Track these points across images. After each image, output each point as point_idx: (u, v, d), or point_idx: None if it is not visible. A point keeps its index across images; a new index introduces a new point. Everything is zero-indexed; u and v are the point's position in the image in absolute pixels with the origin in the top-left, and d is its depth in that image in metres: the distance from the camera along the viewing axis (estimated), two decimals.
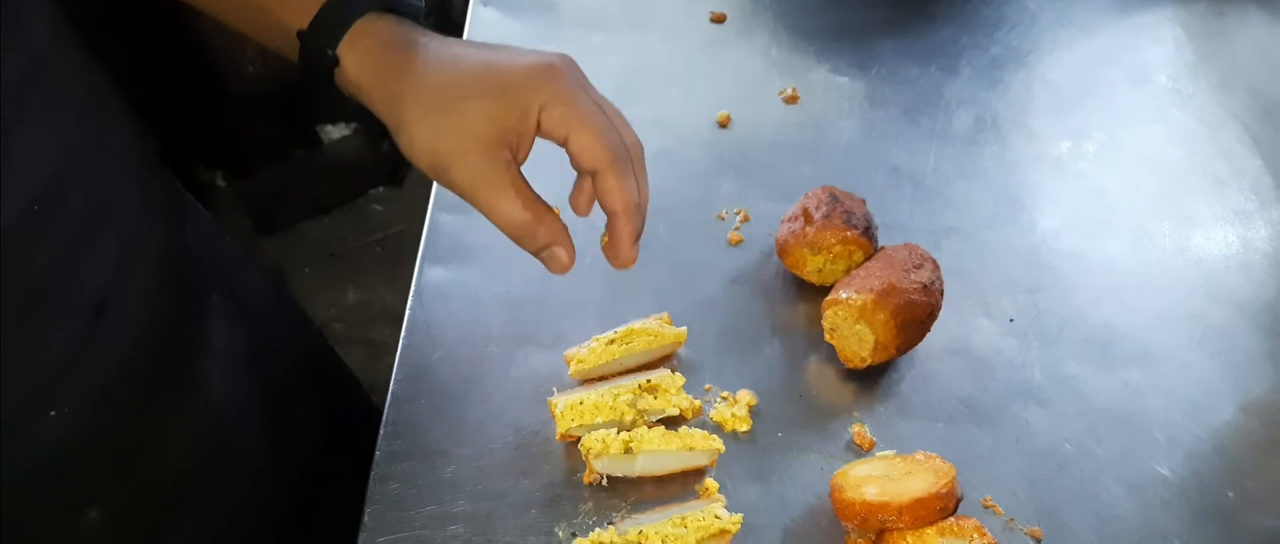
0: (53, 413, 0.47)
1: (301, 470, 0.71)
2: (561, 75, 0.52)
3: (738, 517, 0.57)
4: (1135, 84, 0.91)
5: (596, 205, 0.56)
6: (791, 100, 0.86)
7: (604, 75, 0.60)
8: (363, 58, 0.53)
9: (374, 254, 1.90)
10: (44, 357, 0.46)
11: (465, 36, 0.87)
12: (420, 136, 0.52)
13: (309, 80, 0.54)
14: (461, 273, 0.70)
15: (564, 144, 0.53)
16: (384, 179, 2.00)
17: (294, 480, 0.70)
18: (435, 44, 0.54)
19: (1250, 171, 0.83)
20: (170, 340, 0.55)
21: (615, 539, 0.55)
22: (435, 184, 0.72)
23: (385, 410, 0.62)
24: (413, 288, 0.69)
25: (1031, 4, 0.98)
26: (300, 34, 0.53)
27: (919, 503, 0.55)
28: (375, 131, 2.02)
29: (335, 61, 0.53)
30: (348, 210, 1.96)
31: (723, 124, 0.83)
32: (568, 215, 0.58)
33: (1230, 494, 0.63)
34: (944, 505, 0.55)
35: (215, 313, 0.60)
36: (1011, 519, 0.61)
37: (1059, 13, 0.98)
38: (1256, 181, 0.83)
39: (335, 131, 1.98)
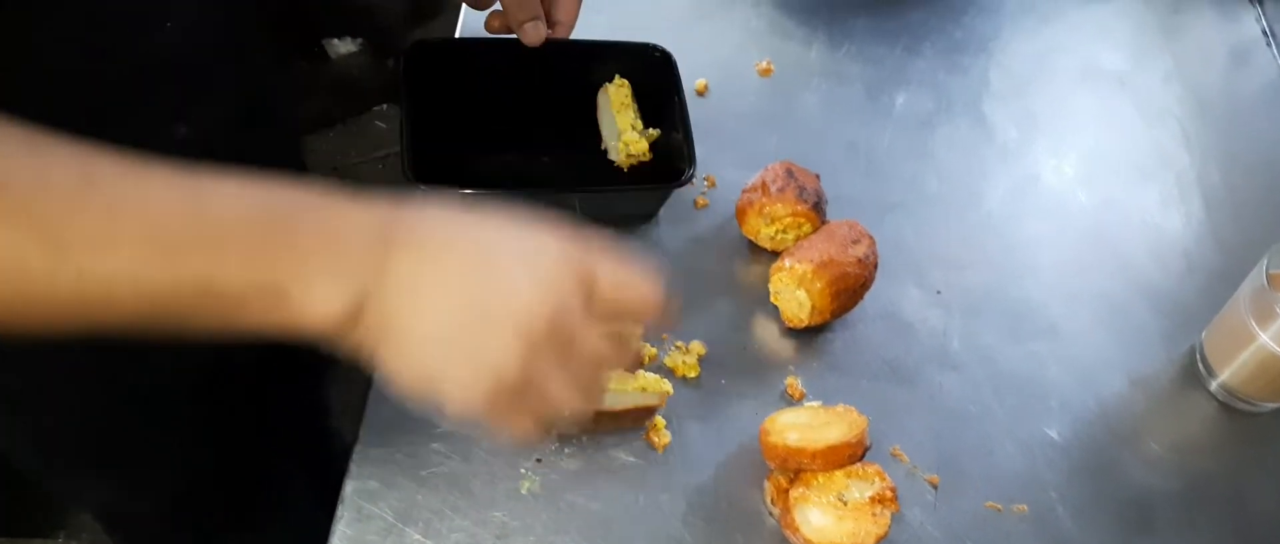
0: (169, 25, 0.57)
1: None
2: None
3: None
4: (1085, 74, 0.98)
5: None
6: (765, 73, 0.93)
7: None
8: None
9: (375, 171, 1.97)
10: None
11: None
12: None
13: None
14: None
15: None
16: (388, 96, 2.04)
17: None
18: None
19: (1176, 165, 0.91)
20: None
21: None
22: None
23: None
24: None
25: None
26: None
27: (831, 450, 0.65)
28: (381, 48, 2.07)
29: None
30: (351, 126, 2.02)
31: (701, 92, 0.91)
32: None
33: (1106, 455, 0.73)
34: (853, 453, 0.65)
35: None
36: (915, 467, 0.71)
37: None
38: (1181, 175, 0.91)
39: (342, 46, 2.03)
